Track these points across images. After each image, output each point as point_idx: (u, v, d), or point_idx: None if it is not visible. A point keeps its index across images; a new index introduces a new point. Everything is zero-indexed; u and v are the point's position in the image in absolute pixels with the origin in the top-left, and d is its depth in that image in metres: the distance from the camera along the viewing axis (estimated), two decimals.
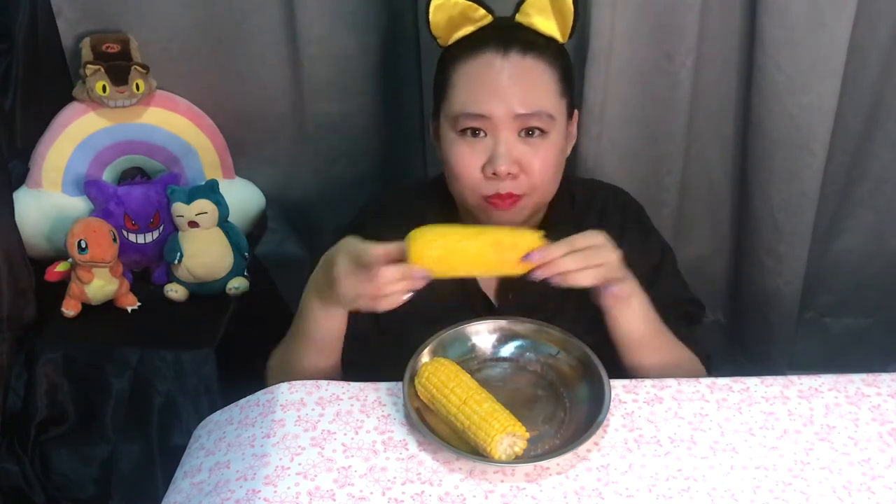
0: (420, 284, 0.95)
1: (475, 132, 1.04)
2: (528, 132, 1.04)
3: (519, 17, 1.07)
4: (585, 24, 1.44)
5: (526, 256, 0.96)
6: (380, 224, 1.18)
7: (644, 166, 1.61)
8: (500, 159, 1.02)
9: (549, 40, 1.07)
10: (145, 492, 1.49)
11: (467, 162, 1.05)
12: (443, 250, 0.95)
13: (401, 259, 0.94)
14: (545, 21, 1.06)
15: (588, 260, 0.96)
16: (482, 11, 1.06)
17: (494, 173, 1.03)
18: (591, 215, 1.18)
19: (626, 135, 1.58)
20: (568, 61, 1.09)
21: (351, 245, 0.98)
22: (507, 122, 1.03)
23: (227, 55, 1.66)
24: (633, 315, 1.05)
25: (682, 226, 1.72)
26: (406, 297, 0.96)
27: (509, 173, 1.03)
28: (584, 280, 0.97)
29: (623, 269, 1.01)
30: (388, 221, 1.17)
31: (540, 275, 0.96)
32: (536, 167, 1.04)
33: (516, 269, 0.97)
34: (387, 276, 0.94)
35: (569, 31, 1.07)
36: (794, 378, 1.04)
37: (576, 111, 1.13)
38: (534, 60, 1.04)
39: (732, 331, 1.85)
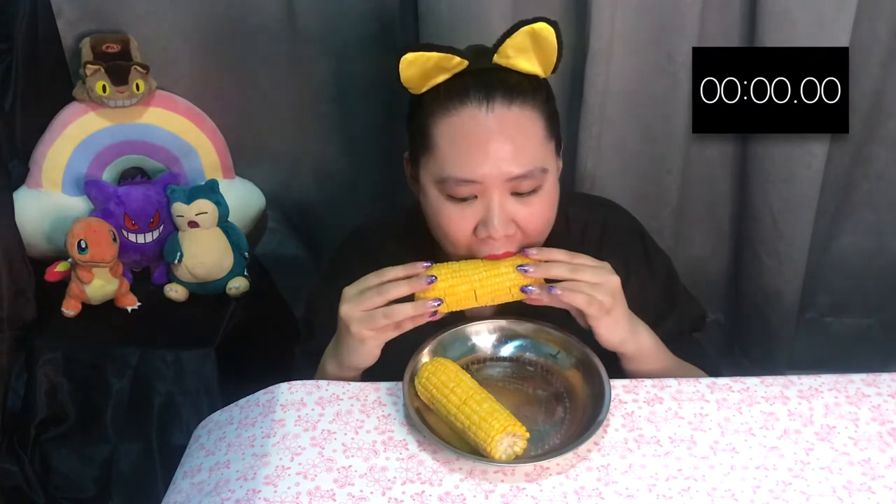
0: (430, 309, 0.96)
1: (465, 196, 0.98)
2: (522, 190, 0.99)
3: (497, 59, 0.97)
4: (585, 24, 1.44)
5: (524, 251, 0.97)
6: (361, 260, 1.12)
7: (644, 166, 1.61)
8: (495, 222, 0.96)
9: (531, 79, 0.98)
10: (145, 492, 1.49)
11: (458, 226, 0.99)
12: (446, 269, 0.97)
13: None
14: (526, 61, 0.97)
15: (582, 275, 0.95)
16: (457, 59, 0.96)
17: (490, 236, 0.98)
18: (590, 234, 1.14)
19: (626, 135, 1.57)
20: (551, 97, 1.02)
21: (358, 281, 0.98)
22: (500, 184, 0.96)
23: (227, 55, 1.66)
24: (615, 329, 1.01)
25: (682, 226, 1.72)
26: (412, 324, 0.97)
27: (505, 235, 0.99)
28: (577, 299, 0.95)
29: (617, 296, 0.97)
30: (369, 257, 1.11)
31: (533, 283, 0.96)
32: (533, 222, 0.99)
33: (514, 292, 0.98)
34: (397, 290, 0.95)
35: (552, 66, 0.98)
36: (794, 378, 1.04)
37: (562, 144, 1.08)
38: (520, 108, 0.96)
39: (732, 331, 1.85)
